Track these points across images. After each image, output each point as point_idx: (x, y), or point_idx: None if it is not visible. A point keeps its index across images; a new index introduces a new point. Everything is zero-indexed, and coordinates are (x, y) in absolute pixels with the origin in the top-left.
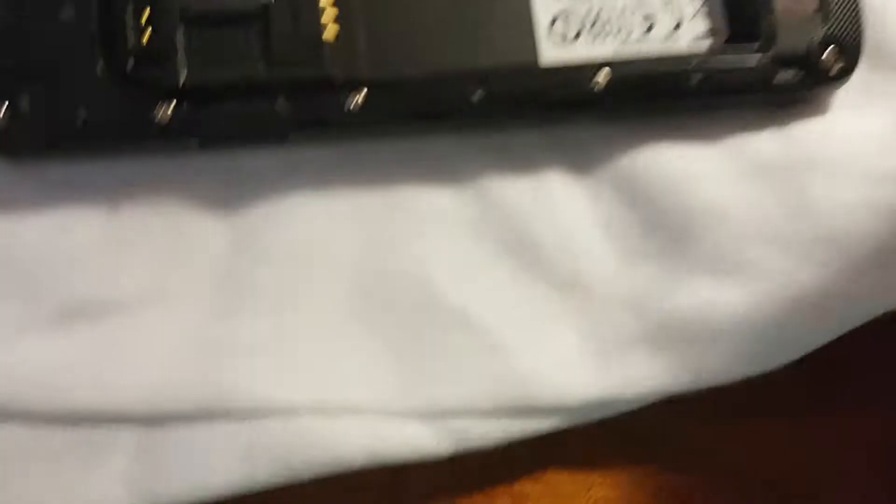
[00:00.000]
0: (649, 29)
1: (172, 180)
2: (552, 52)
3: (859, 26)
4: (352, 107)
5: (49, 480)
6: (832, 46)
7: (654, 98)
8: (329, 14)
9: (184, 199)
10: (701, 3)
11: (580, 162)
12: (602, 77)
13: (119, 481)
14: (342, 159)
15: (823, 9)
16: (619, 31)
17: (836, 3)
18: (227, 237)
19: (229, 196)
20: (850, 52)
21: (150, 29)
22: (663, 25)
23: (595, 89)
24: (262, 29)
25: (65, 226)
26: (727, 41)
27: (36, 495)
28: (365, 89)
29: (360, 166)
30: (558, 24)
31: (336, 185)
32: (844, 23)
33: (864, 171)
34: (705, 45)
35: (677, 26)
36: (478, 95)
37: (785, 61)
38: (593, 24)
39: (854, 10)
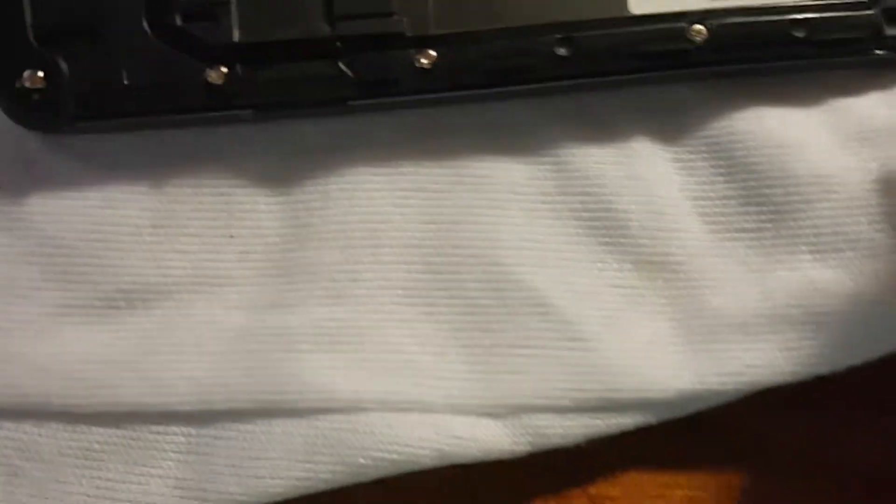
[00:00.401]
0: None
1: (223, 154)
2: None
3: None
4: (423, 65)
5: (91, 484)
6: None
7: (756, 53)
8: None
9: (236, 174)
10: None
11: (670, 127)
12: (699, 29)
13: (168, 484)
14: (407, 128)
15: None
16: None
17: None
18: (282, 215)
19: (284, 170)
20: None
21: None
22: None
23: (693, 42)
24: None
25: (108, 205)
26: None
27: (77, 500)
28: (436, 46)
29: (426, 135)
30: None
31: (401, 157)
32: None
33: None
34: None
35: None
36: (562, 51)
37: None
38: None
39: None
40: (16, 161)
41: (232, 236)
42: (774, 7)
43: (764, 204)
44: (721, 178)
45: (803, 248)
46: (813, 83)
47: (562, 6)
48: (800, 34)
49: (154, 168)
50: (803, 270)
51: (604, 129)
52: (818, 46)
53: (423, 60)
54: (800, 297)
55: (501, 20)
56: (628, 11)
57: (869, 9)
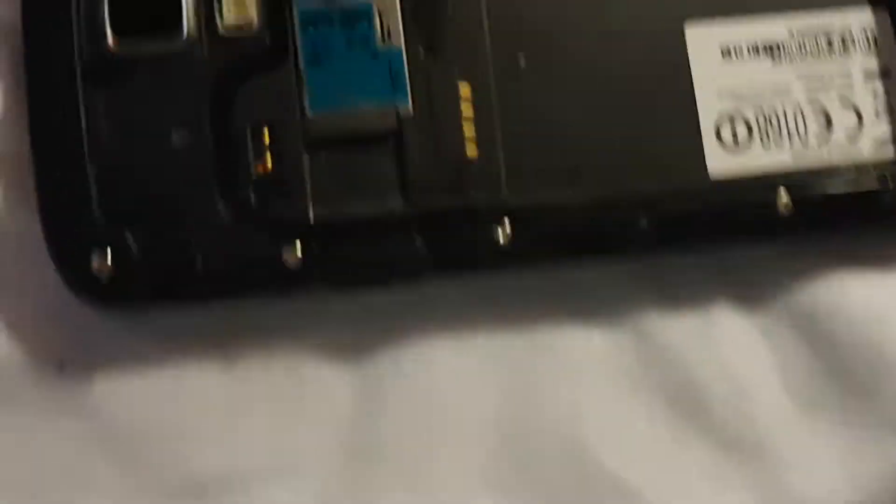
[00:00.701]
0: (828, 131)
1: (293, 324)
2: (722, 163)
3: None
4: (500, 240)
5: None
6: None
7: (844, 220)
8: (468, 129)
9: (306, 344)
10: (883, 98)
11: (752, 296)
12: (783, 194)
13: None
14: (481, 296)
15: None
16: (794, 134)
17: None
18: (353, 388)
19: (355, 340)
20: None
21: (270, 155)
22: (842, 127)
23: (776, 208)
24: (397, 151)
25: (177, 386)
26: None
27: None
28: (512, 219)
29: (501, 304)
30: (725, 129)
31: (474, 327)
32: None
33: None
34: (891, 151)
35: (858, 128)
36: (643, 222)
37: None
38: (765, 128)
39: None
40: (79, 338)
41: (302, 412)
42: (857, 167)
43: (850, 379)
44: (804, 351)
45: (892, 428)
46: None
47: (639, 170)
48: (888, 200)
49: (223, 343)
50: (893, 452)
51: (684, 298)
52: None
53: (500, 237)
54: (891, 488)
55: (577, 187)
56: (708, 176)
57: None
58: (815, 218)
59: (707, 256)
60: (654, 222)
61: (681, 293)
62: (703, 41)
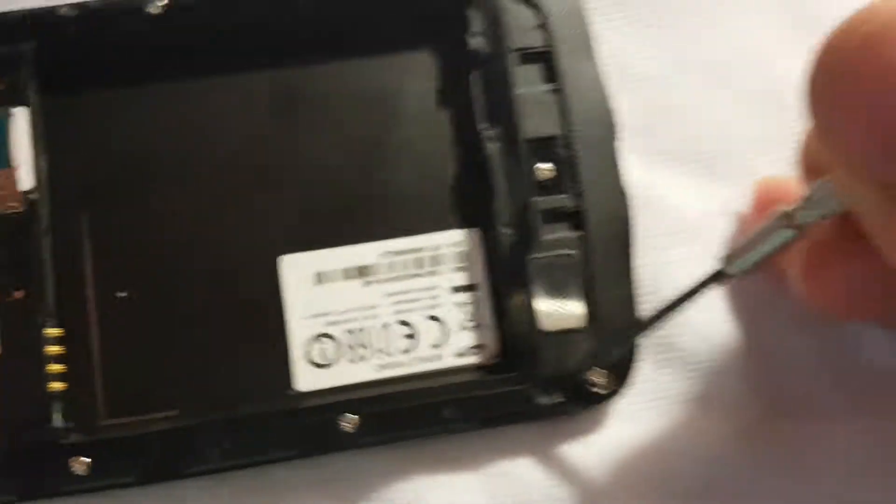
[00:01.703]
0: (411, 346)
1: None
2: (311, 379)
3: (632, 345)
4: (80, 471)
5: None
6: (600, 369)
7: (411, 433)
8: (56, 366)
9: None
10: (470, 309)
11: (353, 496)
12: (349, 419)
13: None
14: None
15: (594, 328)
16: (380, 350)
17: (607, 320)
18: None
19: None
20: (620, 371)
21: None
22: (427, 338)
23: (344, 429)
24: None
25: None
26: (493, 358)
27: None
28: (95, 448)
29: None
30: (314, 347)
31: None
32: (615, 344)
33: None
34: (473, 358)
35: (442, 338)
36: (227, 443)
37: (550, 384)
38: (353, 344)
39: (626, 328)
40: None
41: None
42: (426, 389)
43: None
44: None
45: None
46: (475, 445)
47: (230, 391)
48: (451, 415)
49: None
50: None
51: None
52: (473, 422)
53: (82, 464)
54: None
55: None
56: (294, 391)
57: (521, 383)
58: (380, 430)
59: (311, 463)
60: (236, 443)
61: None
62: (299, 269)
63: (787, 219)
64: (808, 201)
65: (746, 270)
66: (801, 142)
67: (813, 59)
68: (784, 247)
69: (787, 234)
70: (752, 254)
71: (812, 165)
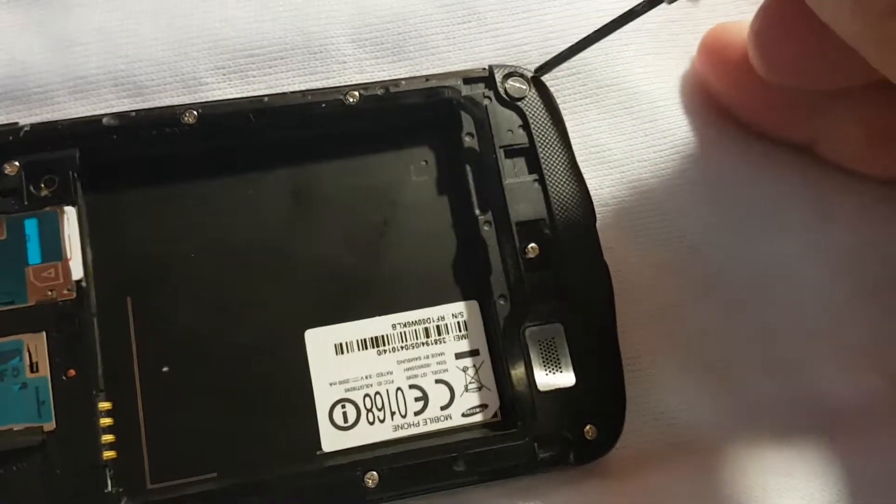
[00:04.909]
0: (422, 408)
1: None
2: (334, 440)
3: (621, 401)
4: None
5: None
6: (592, 425)
7: (423, 486)
8: (107, 436)
9: None
10: (472, 372)
11: None
12: (371, 476)
13: None
14: None
15: (584, 386)
16: (394, 413)
17: (597, 378)
18: None
19: None
20: (611, 427)
21: None
22: (437, 401)
23: (367, 485)
24: (43, 464)
25: None
26: (496, 416)
27: None
28: None
29: None
30: (337, 412)
31: None
32: (605, 400)
33: None
34: (479, 416)
35: (450, 400)
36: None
37: (548, 439)
38: (371, 408)
39: (614, 385)
40: None
41: None
42: (438, 447)
43: None
44: None
45: None
46: (484, 497)
47: (265, 456)
48: (461, 469)
49: None
50: None
51: None
52: (482, 475)
53: None
54: None
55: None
56: (321, 452)
57: (522, 438)
58: (399, 486)
59: None
60: (272, 502)
61: None
62: (321, 342)
63: None
64: None
65: None
66: None
67: None
68: None
69: None
70: None
71: None
